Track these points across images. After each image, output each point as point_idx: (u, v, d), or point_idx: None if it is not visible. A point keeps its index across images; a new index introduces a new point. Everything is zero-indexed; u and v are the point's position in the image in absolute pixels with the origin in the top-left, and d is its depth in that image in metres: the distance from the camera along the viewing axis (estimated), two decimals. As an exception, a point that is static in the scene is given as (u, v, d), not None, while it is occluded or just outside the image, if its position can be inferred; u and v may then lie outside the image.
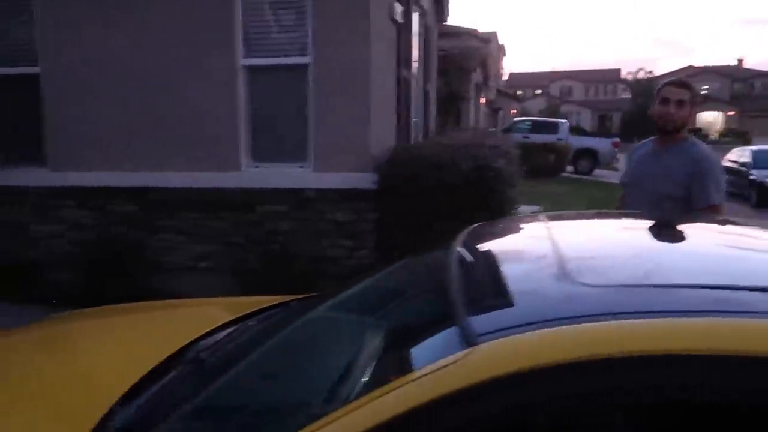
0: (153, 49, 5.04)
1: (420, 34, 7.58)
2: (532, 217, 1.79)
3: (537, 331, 0.95)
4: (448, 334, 1.04)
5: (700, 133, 49.62)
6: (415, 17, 7.16)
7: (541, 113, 39.19)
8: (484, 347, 0.95)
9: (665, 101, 2.74)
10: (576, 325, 0.94)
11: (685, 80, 2.87)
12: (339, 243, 4.95)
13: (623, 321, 0.94)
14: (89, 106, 5.20)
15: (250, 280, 4.80)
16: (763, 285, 1.07)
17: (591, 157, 19.60)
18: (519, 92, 51.91)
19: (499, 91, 36.13)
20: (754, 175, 14.22)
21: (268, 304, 2.16)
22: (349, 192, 4.86)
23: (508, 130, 21.81)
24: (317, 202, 4.95)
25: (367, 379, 1.21)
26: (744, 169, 14.93)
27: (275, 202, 5.01)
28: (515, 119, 26.40)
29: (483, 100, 24.35)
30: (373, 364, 1.26)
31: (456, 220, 4.23)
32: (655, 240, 1.59)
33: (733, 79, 58.11)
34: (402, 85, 6.11)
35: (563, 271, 1.14)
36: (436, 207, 4.22)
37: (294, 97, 5.01)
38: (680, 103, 2.70)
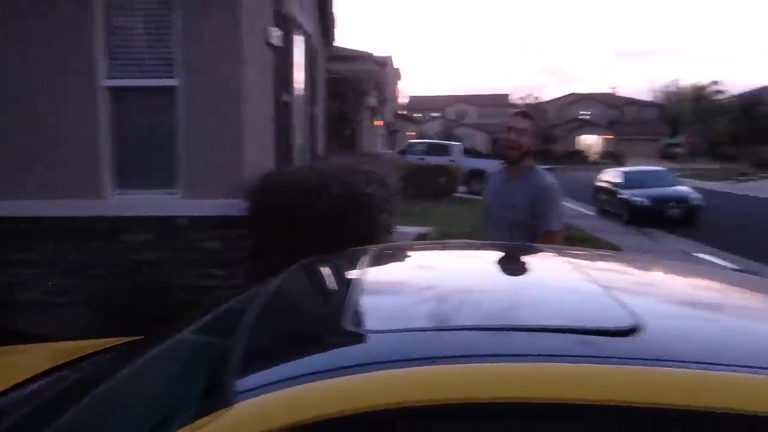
0: (6, 69, 4.63)
1: (304, 57, 7.56)
2: (360, 252, 1.76)
3: (290, 389, 0.90)
4: (216, 392, 0.97)
5: (580, 154, 53.49)
6: (299, 40, 7.13)
7: (437, 135, 40.49)
8: (240, 407, 0.89)
9: (509, 130, 2.92)
10: (330, 379, 0.90)
11: (527, 111, 3.09)
12: (211, 272, 4.75)
13: (375, 373, 0.91)
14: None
15: (114, 315, 4.47)
16: (539, 325, 1.08)
17: (483, 177, 20.46)
18: (417, 115, 53.42)
19: (396, 114, 36.97)
20: (624, 194, 15.40)
21: (93, 350, 1.98)
22: (221, 219, 4.70)
23: (404, 152, 22.31)
24: (187, 230, 4.73)
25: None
26: (616, 189, 16.14)
27: (142, 230, 4.73)
28: (411, 141, 27.08)
29: (379, 123, 24.76)
30: (150, 426, 1.17)
31: (329, 246, 4.22)
32: (464, 277, 1.58)
33: (609, 105, 63.27)
34: (281, 108, 6.03)
35: (351, 317, 1.11)
36: (309, 234, 4.16)
37: (162, 121, 4.79)
38: (522, 131, 2.89)
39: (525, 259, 1.78)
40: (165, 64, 4.68)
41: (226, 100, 4.65)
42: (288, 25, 6.44)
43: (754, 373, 0.96)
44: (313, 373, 0.92)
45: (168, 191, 4.76)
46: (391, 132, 33.86)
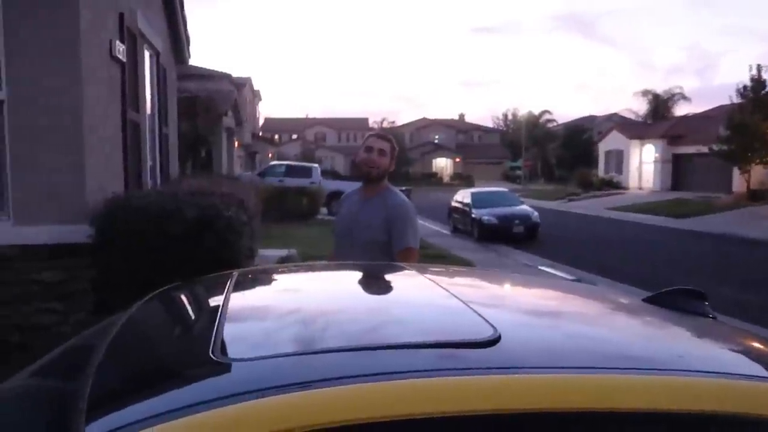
0: None
1: (153, 75, 7.17)
2: (220, 278, 1.68)
3: (148, 429, 0.82)
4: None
5: (435, 176, 56.41)
6: (146, 57, 6.75)
7: (296, 158, 40.37)
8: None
9: (369, 149, 2.91)
10: (194, 415, 0.83)
11: (386, 134, 3.11)
12: (48, 307, 4.27)
13: (244, 404, 0.86)
14: None
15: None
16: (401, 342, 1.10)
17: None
18: (276, 137, 52.91)
19: (254, 136, 36.32)
20: (475, 214, 16.46)
21: None
22: (61, 247, 4.25)
23: (263, 174, 21.93)
24: (18, 261, 4.21)
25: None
26: (467, 209, 17.21)
27: (-41, 263, 4.13)
28: (271, 163, 26.73)
29: (237, 144, 24.15)
30: None
31: (184, 274, 3.98)
32: (329, 298, 1.55)
33: (457, 130, 67.59)
34: (130, 128, 5.65)
35: (214, 346, 1.05)
36: (161, 261, 3.89)
37: (-14, 138, 4.25)
38: (381, 151, 2.90)
39: (387, 277, 1.81)
40: (-11, 75, 4.17)
41: (64, 117, 4.24)
42: (135, 40, 6.08)
43: (599, 373, 1.05)
44: (177, 410, 0.85)
45: (-7, 217, 4.22)
46: (250, 153, 33.16)
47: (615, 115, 55.43)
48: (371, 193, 2.93)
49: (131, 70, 5.82)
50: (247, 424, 0.84)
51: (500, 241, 15.09)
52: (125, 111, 5.50)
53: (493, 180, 49.55)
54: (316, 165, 24.32)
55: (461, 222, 17.73)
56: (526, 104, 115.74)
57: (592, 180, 38.15)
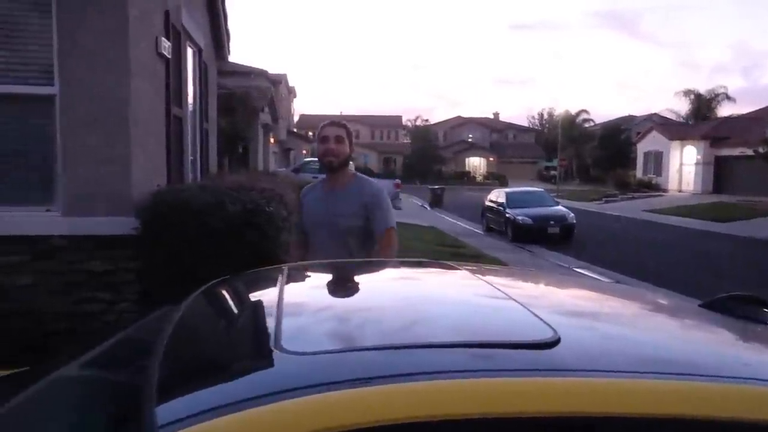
0: None
1: (196, 71, 7.30)
2: (274, 271, 1.70)
3: (215, 420, 0.83)
4: (135, 426, 0.89)
5: (468, 175, 56.06)
6: (189, 53, 6.88)
7: (330, 154, 40.45)
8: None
9: (325, 139, 2.92)
10: (259, 407, 0.85)
11: (339, 120, 3.08)
12: (95, 296, 4.38)
13: (311, 397, 0.87)
14: None
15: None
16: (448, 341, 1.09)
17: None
18: (310, 134, 53.30)
19: (290, 132, 36.69)
20: (509, 213, 16.32)
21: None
22: (107, 238, 4.36)
23: (298, 170, 22.14)
24: (68, 251, 4.33)
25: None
26: (501, 208, 17.06)
27: (12, 251, 4.27)
28: (305, 159, 26.96)
29: (272, 140, 24.42)
30: None
31: (225, 267, 4.05)
32: (390, 296, 1.55)
33: (492, 129, 66.99)
34: (173, 123, 5.76)
35: (274, 339, 1.06)
36: (203, 254, 3.97)
37: (39, 132, 4.39)
38: (338, 138, 2.91)
39: (441, 276, 1.80)
40: (44, 70, 4.30)
41: (112, 111, 4.35)
42: (179, 37, 6.19)
43: (658, 378, 1.03)
44: (244, 401, 0.86)
45: (45, 208, 4.35)
46: (285, 150, 33.50)
47: (655, 115, 54.20)
48: (339, 182, 2.94)
49: (175, 66, 5.93)
50: (313, 418, 0.85)
51: (535, 241, 14.92)
52: (169, 106, 5.61)
53: (527, 180, 49.00)
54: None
55: (495, 222, 17.59)
56: (563, 103, 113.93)
57: (629, 181, 37.41)
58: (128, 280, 4.38)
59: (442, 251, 11.58)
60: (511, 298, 1.38)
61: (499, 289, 1.45)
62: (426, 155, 55.65)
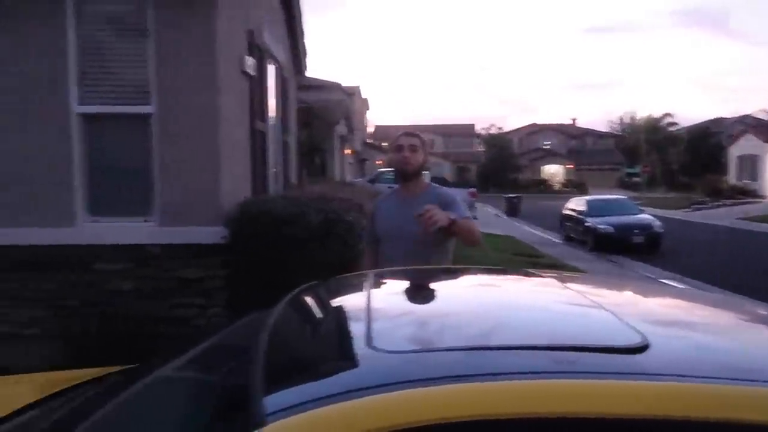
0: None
1: (277, 87, 7.61)
2: (360, 277, 1.78)
3: (323, 408, 0.91)
4: (245, 414, 0.97)
5: (545, 183, 54.72)
6: (271, 70, 7.19)
7: (404, 164, 40.66)
8: (268, 429, 0.89)
9: (399, 148, 2.96)
10: (360, 399, 0.91)
11: (413, 131, 3.12)
12: (188, 302, 4.67)
13: (409, 391, 0.93)
14: None
15: (86, 347, 4.34)
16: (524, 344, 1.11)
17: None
18: (384, 144, 53.89)
19: (365, 143, 37.31)
20: (589, 222, 15.80)
21: (80, 380, 1.93)
22: (199, 247, 4.63)
23: (373, 180, 22.45)
24: (163, 259, 4.65)
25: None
26: (581, 217, 16.55)
27: (115, 259, 4.63)
28: (380, 170, 27.27)
29: (348, 151, 24.91)
30: None
31: (307, 274, 4.20)
32: (477, 300, 1.58)
33: (569, 136, 65.06)
34: (256, 136, 6.04)
35: (368, 338, 1.13)
36: (288, 262, 4.15)
37: (137, 148, 4.74)
38: (413, 147, 2.94)
39: (526, 282, 1.81)
40: (141, 90, 4.66)
41: (203, 127, 4.64)
42: (261, 55, 6.49)
43: (749, 384, 1.01)
44: (343, 393, 0.93)
45: (143, 218, 4.69)
46: (360, 161, 34.08)
47: (748, 116, 50.75)
48: (413, 191, 2.96)
49: (258, 82, 6.22)
50: (407, 411, 0.90)
51: (617, 251, 14.35)
52: (253, 121, 5.89)
53: (607, 187, 47.16)
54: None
55: (574, 231, 17.08)
56: (645, 107, 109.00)
57: (721, 187, 35.24)
58: (218, 287, 4.63)
59: (519, 261, 11.39)
60: (597, 304, 1.38)
61: (585, 296, 1.45)
62: (500, 164, 54.86)
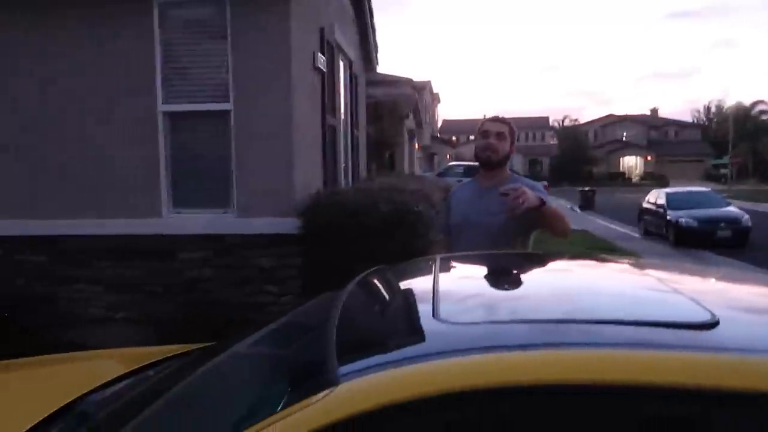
0: (63, 97, 4.95)
1: (347, 82, 7.76)
2: (426, 261, 1.83)
3: (391, 370, 0.97)
4: (320, 376, 1.05)
5: (623, 176, 52.62)
6: (341, 66, 7.34)
7: (474, 158, 40.33)
8: (343, 386, 0.96)
9: (485, 134, 2.76)
10: (427, 362, 0.97)
11: (502, 117, 2.87)
12: (264, 289, 4.88)
13: (471, 356, 0.98)
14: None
15: (170, 330, 4.63)
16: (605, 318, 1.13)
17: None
18: (453, 138, 53.57)
19: (434, 137, 37.22)
20: (670, 216, 15.06)
21: (171, 354, 2.09)
22: (274, 237, 4.83)
23: (442, 174, 22.39)
24: (241, 248, 4.88)
25: (250, 419, 1.20)
26: (661, 210, 15.81)
27: (197, 248, 4.91)
28: (449, 164, 27.17)
29: (417, 145, 24.96)
30: (258, 404, 1.25)
31: (378, 263, 4.30)
32: (548, 281, 1.61)
33: (649, 126, 62.16)
34: (327, 130, 6.20)
35: (434, 312, 1.18)
36: (359, 251, 4.24)
37: (216, 143, 4.99)
38: (500, 135, 2.74)
39: (590, 265, 1.81)
40: (220, 89, 4.89)
41: (278, 122, 4.82)
42: (333, 51, 6.65)
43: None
44: (409, 359, 0.99)
45: (223, 210, 4.94)
46: (429, 155, 34.05)
47: None
48: (495, 181, 2.73)
49: (329, 78, 6.38)
50: (476, 374, 0.94)
51: (701, 246, 13.62)
52: (324, 116, 6.05)
53: (692, 180, 44.75)
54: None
55: (654, 225, 16.34)
56: (734, 95, 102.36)
57: (820, 178, 32.63)
58: (292, 275, 4.81)
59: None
60: (668, 285, 1.37)
61: (656, 277, 1.45)
62: (575, 156, 53.19)
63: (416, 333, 1.11)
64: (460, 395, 0.91)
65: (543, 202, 2.45)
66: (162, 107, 4.91)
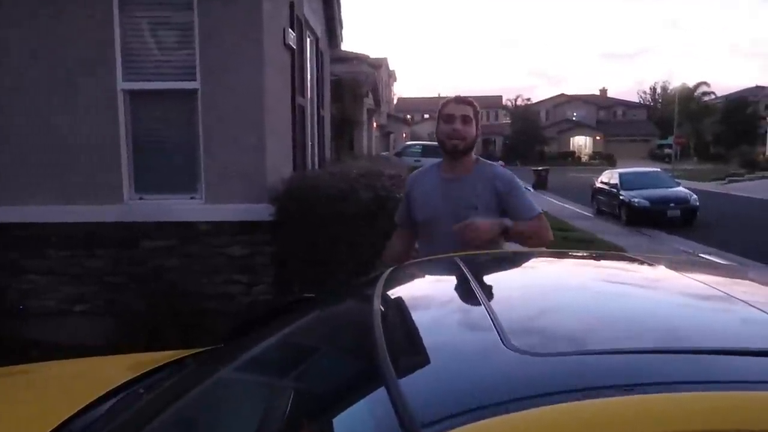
0: (13, 70, 4.53)
1: (313, 60, 7.49)
2: (448, 259, 1.68)
3: (494, 419, 0.80)
4: (384, 424, 0.88)
5: (573, 156, 53.82)
6: (309, 43, 7.06)
7: (429, 137, 40.45)
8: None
9: (450, 118, 2.47)
10: (536, 409, 0.80)
11: (465, 97, 2.60)
12: (235, 278, 4.66)
13: (598, 400, 0.82)
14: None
15: (134, 323, 4.38)
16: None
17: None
18: (408, 116, 53.37)
19: (389, 116, 36.94)
20: (623, 195, 15.46)
21: (165, 361, 1.90)
22: (245, 224, 4.61)
23: (400, 154, 22.27)
24: (209, 236, 4.64)
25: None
26: (614, 190, 16.20)
27: (162, 236, 4.63)
28: (407, 143, 27.09)
29: (375, 125, 24.71)
30: None
31: (357, 252, 4.15)
32: (609, 292, 1.44)
33: (599, 106, 63.66)
34: (297, 111, 5.95)
35: (502, 336, 1.01)
36: (336, 239, 4.09)
37: (183, 125, 4.71)
38: (465, 119, 2.46)
39: (629, 269, 1.62)
40: (186, 66, 4.59)
41: (249, 102, 4.57)
42: (302, 27, 6.36)
43: None
44: (499, 404, 0.82)
45: (190, 195, 4.67)
46: (385, 134, 33.82)
47: (787, 85, 48.97)
48: (461, 169, 2.48)
49: (298, 56, 6.11)
50: (579, 426, 0.80)
51: (651, 225, 14.05)
52: (294, 95, 5.80)
53: (638, 159, 46.23)
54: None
55: (607, 204, 16.75)
56: (679, 76, 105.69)
57: (758, 159, 34.27)
58: (264, 264, 4.61)
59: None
60: (726, 292, 1.27)
61: (712, 287, 1.34)
62: (527, 135, 53.97)
63: (489, 369, 0.93)
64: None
65: (506, 229, 2.30)
66: (122, 84, 4.56)
